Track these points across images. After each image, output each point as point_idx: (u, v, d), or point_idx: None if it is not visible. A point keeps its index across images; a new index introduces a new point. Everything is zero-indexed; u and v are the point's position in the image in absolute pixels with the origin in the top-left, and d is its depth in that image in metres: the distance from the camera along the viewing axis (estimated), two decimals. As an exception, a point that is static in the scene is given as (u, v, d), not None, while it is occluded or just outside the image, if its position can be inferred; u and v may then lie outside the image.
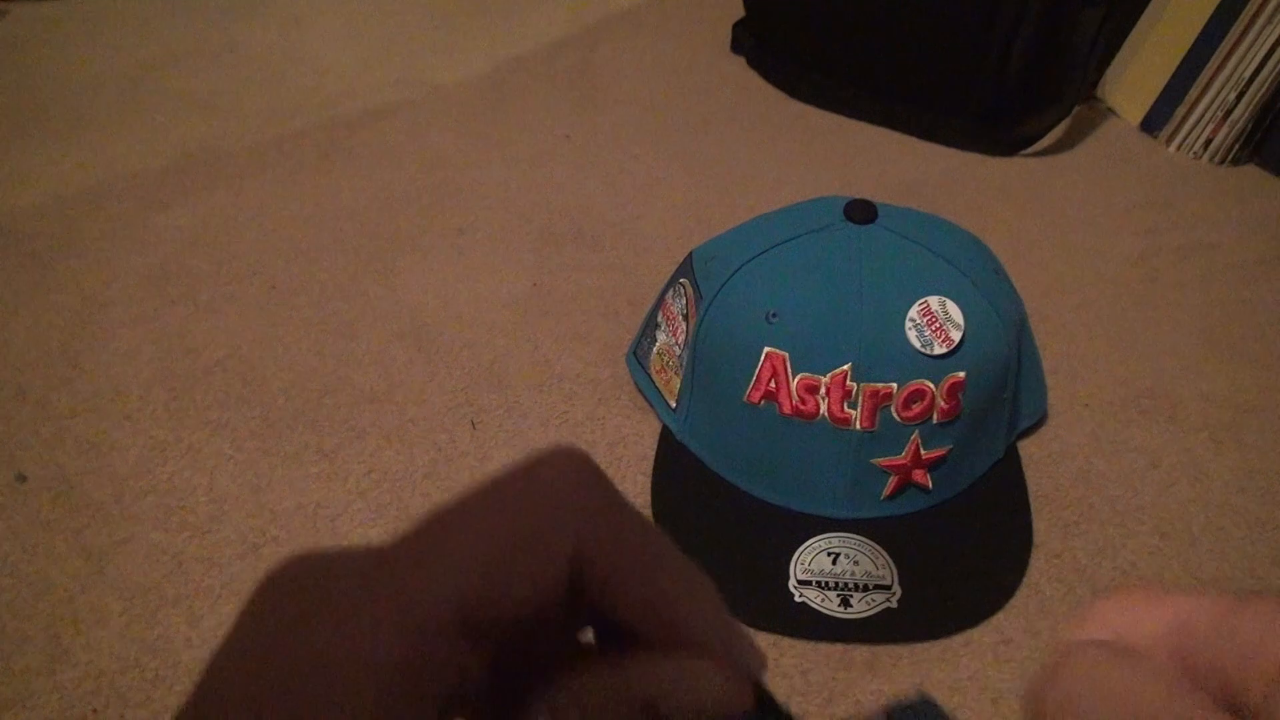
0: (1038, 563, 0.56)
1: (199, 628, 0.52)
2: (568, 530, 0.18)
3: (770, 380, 0.55)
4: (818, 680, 0.50)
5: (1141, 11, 1.01)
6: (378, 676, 0.16)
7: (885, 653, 0.51)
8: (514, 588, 0.17)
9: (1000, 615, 0.53)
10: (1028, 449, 0.63)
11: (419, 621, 0.17)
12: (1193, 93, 0.95)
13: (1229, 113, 0.93)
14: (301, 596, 0.17)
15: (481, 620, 0.17)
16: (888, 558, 0.54)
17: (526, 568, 0.17)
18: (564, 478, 0.18)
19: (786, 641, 0.51)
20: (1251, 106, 0.92)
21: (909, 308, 0.54)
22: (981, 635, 0.52)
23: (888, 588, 0.53)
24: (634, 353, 0.68)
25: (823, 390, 0.53)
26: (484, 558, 0.17)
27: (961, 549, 0.56)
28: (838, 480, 0.55)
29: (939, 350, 0.53)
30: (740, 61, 1.13)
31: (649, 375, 0.65)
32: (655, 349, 0.65)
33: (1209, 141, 0.95)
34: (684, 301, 0.62)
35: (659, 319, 0.65)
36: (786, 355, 0.54)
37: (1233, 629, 0.16)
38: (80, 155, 0.94)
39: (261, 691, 0.16)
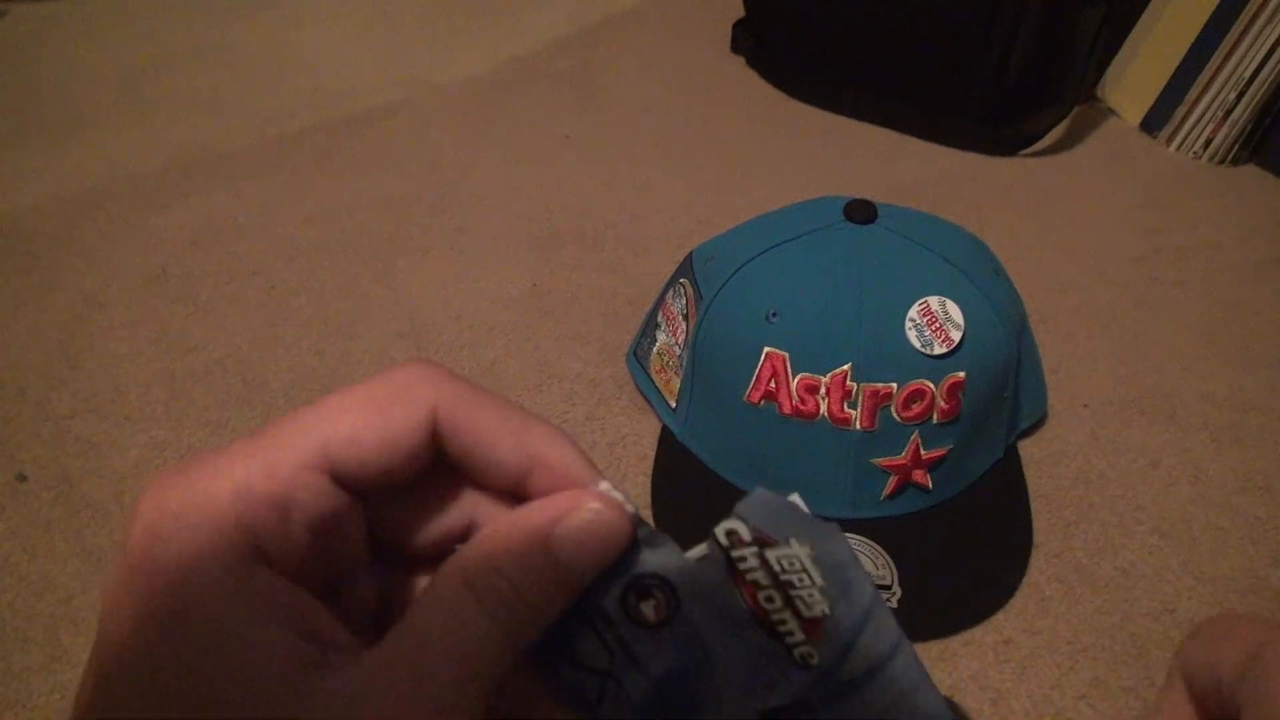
0: (1038, 563, 0.56)
1: (199, 628, 0.52)
2: (424, 383, 0.20)
3: (770, 380, 0.55)
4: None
5: (1141, 11, 1.01)
6: (247, 509, 0.18)
7: (885, 653, 0.51)
8: (375, 425, 0.19)
9: (1000, 615, 0.53)
10: (1028, 449, 0.63)
11: (284, 460, 0.18)
12: (1193, 93, 0.95)
13: (1229, 113, 0.93)
14: (174, 487, 0.18)
15: (347, 458, 0.19)
16: (887, 558, 0.54)
17: (386, 411, 0.19)
18: (416, 363, 0.20)
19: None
20: (1251, 106, 0.92)
21: (909, 308, 0.54)
22: (981, 635, 0.52)
23: (887, 588, 0.53)
24: (634, 353, 0.68)
25: (823, 390, 0.53)
26: (346, 406, 0.19)
27: (961, 549, 0.56)
28: (838, 480, 0.55)
29: (939, 350, 0.53)
30: (740, 61, 1.13)
31: (649, 375, 0.65)
32: (655, 349, 0.65)
33: (1209, 141, 0.95)
34: (684, 301, 0.62)
35: (659, 319, 0.65)
36: (786, 355, 0.54)
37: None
38: (80, 155, 0.94)
39: (147, 564, 0.18)
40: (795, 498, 0.19)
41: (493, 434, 0.20)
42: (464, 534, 0.21)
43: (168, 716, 0.16)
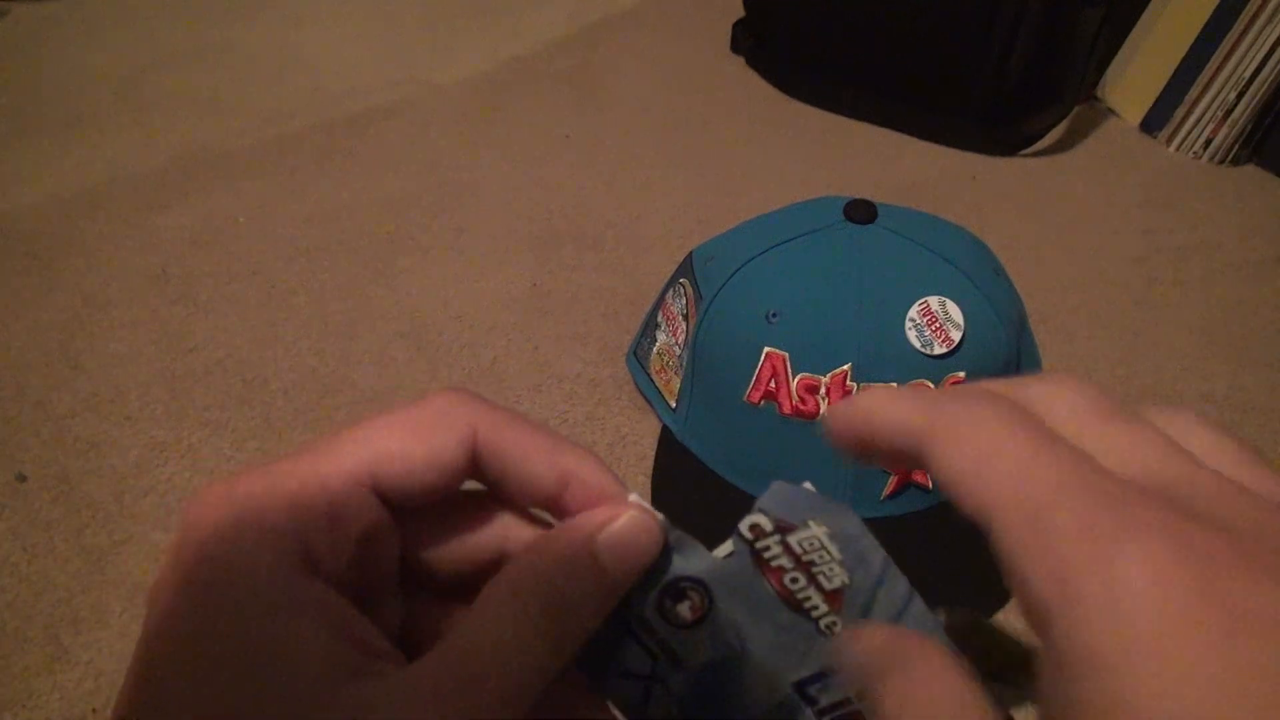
0: (1038, 563, 0.56)
1: (199, 628, 0.52)
2: (464, 407, 0.21)
3: (770, 380, 0.55)
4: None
5: (1141, 11, 1.01)
6: (300, 519, 0.18)
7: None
8: (420, 444, 0.20)
9: (1000, 615, 0.53)
10: (1028, 449, 0.63)
11: (335, 474, 0.19)
12: (1193, 93, 0.95)
13: (1229, 113, 0.93)
14: (229, 495, 0.19)
15: (393, 474, 0.20)
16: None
17: (429, 430, 0.20)
18: (454, 390, 0.22)
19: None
20: (1251, 106, 0.92)
21: (909, 308, 0.54)
22: (981, 635, 0.52)
23: (888, 588, 0.53)
24: (634, 353, 0.68)
25: (823, 390, 0.53)
26: (392, 425, 0.20)
27: (962, 549, 0.56)
28: (838, 480, 0.55)
29: (939, 350, 0.53)
30: (740, 61, 1.13)
31: (649, 375, 0.65)
32: (655, 349, 0.65)
33: (1209, 141, 0.95)
34: (684, 301, 0.62)
35: (659, 319, 0.65)
36: (786, 355, 0.54)
37: None
38: (80, 155, 0.94)
39: (198, 574, 0.18)
40: (808, 485, 0.20)
41: (528, 453, 0.21)
42: (493, 562, 0.22)
43: (210, 713, 0.17)
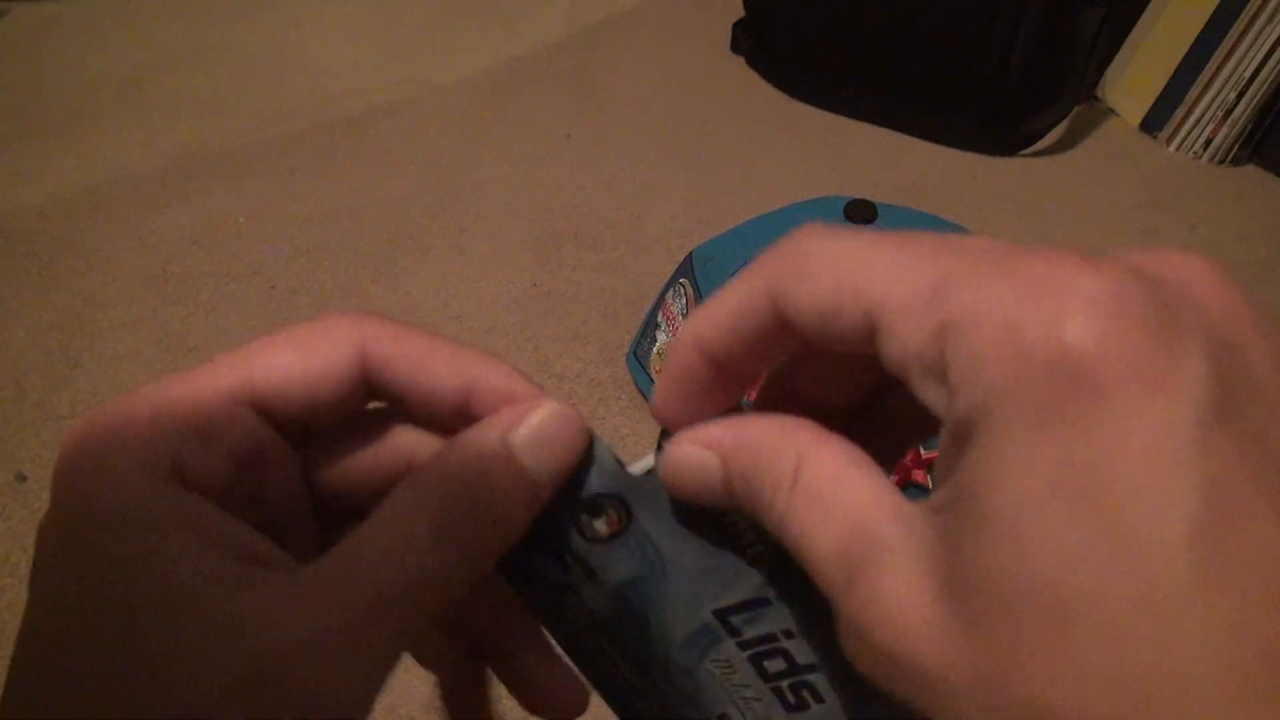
0: (1038, 563, 0.56)
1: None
2: (350, 321, 0.19)
3: (770, 380, 0.55)
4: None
5: (1141, 11, 1.01)
6: (170, 438, 0.17)
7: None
8: (300, 360, 0.19)
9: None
10: (1028, 449, 0.63)
11: (207, 392, 0.18)
12: (1193, 93, 0.95)
13: (1229, 113, 0.93)
14: (95, 420, 0.18)
15: (272, 392, 0.19)
16: (888, 558, 0.54)
17: (313, 346, 0.19)
18: (343, 310, 0.20)
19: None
20: (1251, 106, 0.92)
21: (909, 308, 0.54)
22: (981, 635, 0.52)
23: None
24: (634, 353, 0.68)
25: (823, 390, 0.53)
26: (271, 344, 0.19)
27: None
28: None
29: (939, 350, 0.53)
30: (740, 61, 1.13)
31: (649, 375, 0.65)
32: (655, 349, 0.65)
33: (1209, 141, 0.95)
34: (684, 301, 0.62)
35: (659, 319, 0.65)
36: (786, 355, 0.54)
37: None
38: (80, 155, 0.94)
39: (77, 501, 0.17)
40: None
41: (426, 363, 0.19)
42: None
43: (81, 638, 0.16)
